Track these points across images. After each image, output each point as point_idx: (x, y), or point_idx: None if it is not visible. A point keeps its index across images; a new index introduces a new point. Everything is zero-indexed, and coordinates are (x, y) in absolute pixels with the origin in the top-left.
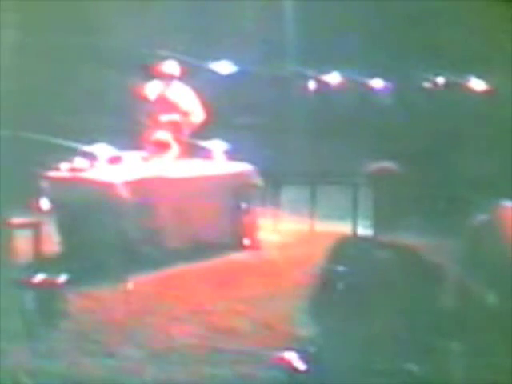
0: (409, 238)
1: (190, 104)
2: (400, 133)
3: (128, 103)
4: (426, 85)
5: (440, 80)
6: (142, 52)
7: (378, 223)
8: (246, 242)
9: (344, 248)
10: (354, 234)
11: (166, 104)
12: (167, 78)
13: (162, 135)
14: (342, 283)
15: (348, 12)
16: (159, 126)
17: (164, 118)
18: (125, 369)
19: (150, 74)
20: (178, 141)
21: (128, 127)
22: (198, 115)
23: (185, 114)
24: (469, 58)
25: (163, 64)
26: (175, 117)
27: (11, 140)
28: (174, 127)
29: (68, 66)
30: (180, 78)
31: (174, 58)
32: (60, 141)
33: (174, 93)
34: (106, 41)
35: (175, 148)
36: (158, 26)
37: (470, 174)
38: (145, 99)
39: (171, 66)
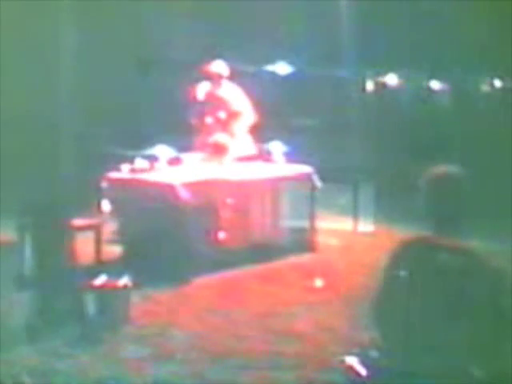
0: (471, 242)
1: (240, 104)
2: (460, 134)
3: (183, 104)
4: (483, 87)
5: (497, 82)
6: (201, 54)
7: (439, 226)
8: (305, 244)
9: (405, 251)
10: (416, 236)
11: (215, 104)
12: (215, 78)
13: (221, 137)
14: (404, 286)
15: (405, 13)
16: (210, 126)
17: (214, 118)
18: (187, 372)
19: (200, 74)
20: (237, 143)
21: (187, 129)
22: (248, 115)
23: (235, 114)
24: None
25: (211, 64)
26: (225, 117)
27: (73, 143)
28: (225, 127)
29: (126, 67)
30: (229, 78)
31: (232, 59)
32: (120, 142)
33: (224, 93)
34: (164, 42)
35: (234, 150)
36: (217, 29)
37: None
38: (195, 100)
39: (219, 66)
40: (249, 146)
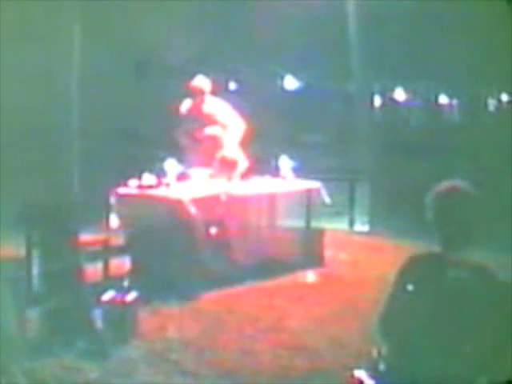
0: (480, 257)
1: (227, 117)
2: (467, 149)
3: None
4: (491, 102)
5: (504, 97)
6: (207, 68)
7: (447, 242)
8: (314, 259)
9: (414, 266)
10: (426, 252)
11: (202, 120)
12: (198, 93)
13: (228, 153)
14: (412, 301)
15: (414, 28)
16: (199, 141)
17: (202, 133)
18: None
19: (185, 90)
20: (246, 158)
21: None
22: (237, 127)
23: (223, 127)
24: None
25: (193, 80)
26: (214, 131)
27: (81, 158)
28: (214, 142)
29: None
30: (212, 93)
31: (240, 74)
32: (128, 158)
33: (209, 108)
34: (171, 52)
35: (243, 165)
36: (225, 42)
37: None
38: (181, 118)
39: (201, 81)
40: (259, 162)
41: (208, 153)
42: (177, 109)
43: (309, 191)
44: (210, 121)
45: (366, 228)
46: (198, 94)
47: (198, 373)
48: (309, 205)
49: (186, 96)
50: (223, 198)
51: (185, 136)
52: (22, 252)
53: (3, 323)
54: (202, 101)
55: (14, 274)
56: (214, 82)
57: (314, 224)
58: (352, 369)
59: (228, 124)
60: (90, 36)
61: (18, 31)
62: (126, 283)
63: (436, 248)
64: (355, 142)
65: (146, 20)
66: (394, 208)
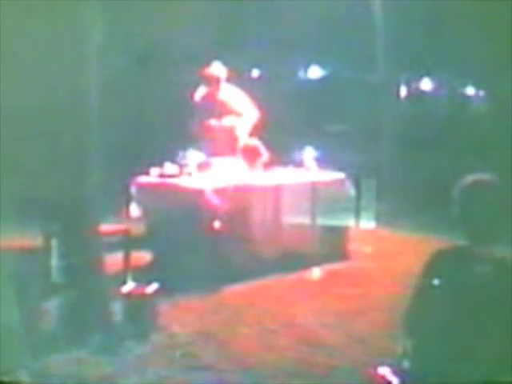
0: (507, 251)
1: (241, 105)
2: (494, 141)
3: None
4: None
5: None
6: (226, 55)
7: (474, 236)
8: (337, 253)
9: (441, 260)
10: (452, 246)
11: (217, 108)
12: (214, 81)
13: (253, 142)
14: (438, 296)
15: (440, 18)
16: (213, 131)
17: (217, 122)
18: (216, 382)
19: (200, 78)
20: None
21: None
22: (251, 114)
23: (238, 115)
24: None
25: (209, 67)
26: (229, 119)
27: (100, 147)
28: (229, 132)
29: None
30: (231, 80)
31: (265, 63)
32: (150, 147)
33: (224, 95)
34: (190, 40)
35: (266, 155)
36: (246, 29)
37: None
38: (195, 107)
39: (217, 69)
40: (282, 153)
41: (223, 143)
42: (192, 97)
43: (333, 183)
44: (225, 109)
45: (372, 224)
46: (213, 82)
47: (218, 367)
48: (332, 196)
49: (200, 84)
50: (244, 188)
51: (198, 126)
52: (38, 243)
53: (4, 321)
54: (218, 89)
55: (31, 266)
56: (236, 70)
57: (338, 216)
58: (375, 366)
59: (242, 112)
60: (107, 27)
61: (34, 27)
62: (146, 275)
63: (462, 242)
64: (378, 133)
65: (162, 6)
66: (416, 203)
